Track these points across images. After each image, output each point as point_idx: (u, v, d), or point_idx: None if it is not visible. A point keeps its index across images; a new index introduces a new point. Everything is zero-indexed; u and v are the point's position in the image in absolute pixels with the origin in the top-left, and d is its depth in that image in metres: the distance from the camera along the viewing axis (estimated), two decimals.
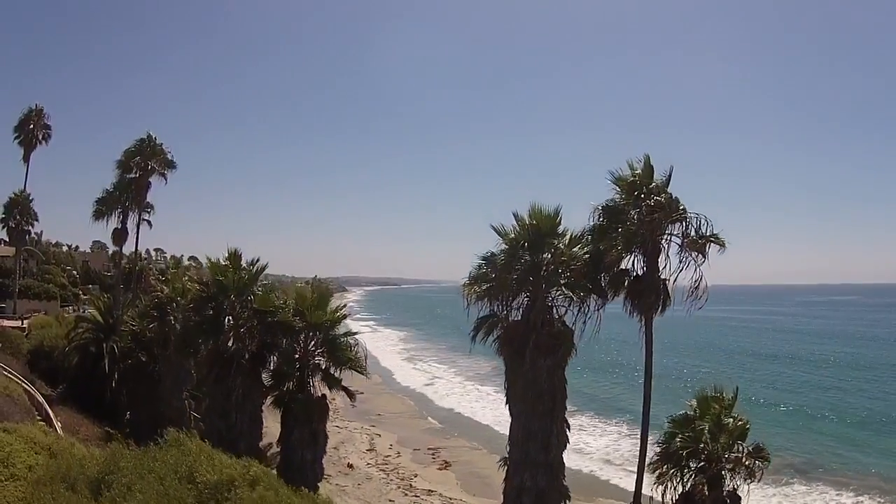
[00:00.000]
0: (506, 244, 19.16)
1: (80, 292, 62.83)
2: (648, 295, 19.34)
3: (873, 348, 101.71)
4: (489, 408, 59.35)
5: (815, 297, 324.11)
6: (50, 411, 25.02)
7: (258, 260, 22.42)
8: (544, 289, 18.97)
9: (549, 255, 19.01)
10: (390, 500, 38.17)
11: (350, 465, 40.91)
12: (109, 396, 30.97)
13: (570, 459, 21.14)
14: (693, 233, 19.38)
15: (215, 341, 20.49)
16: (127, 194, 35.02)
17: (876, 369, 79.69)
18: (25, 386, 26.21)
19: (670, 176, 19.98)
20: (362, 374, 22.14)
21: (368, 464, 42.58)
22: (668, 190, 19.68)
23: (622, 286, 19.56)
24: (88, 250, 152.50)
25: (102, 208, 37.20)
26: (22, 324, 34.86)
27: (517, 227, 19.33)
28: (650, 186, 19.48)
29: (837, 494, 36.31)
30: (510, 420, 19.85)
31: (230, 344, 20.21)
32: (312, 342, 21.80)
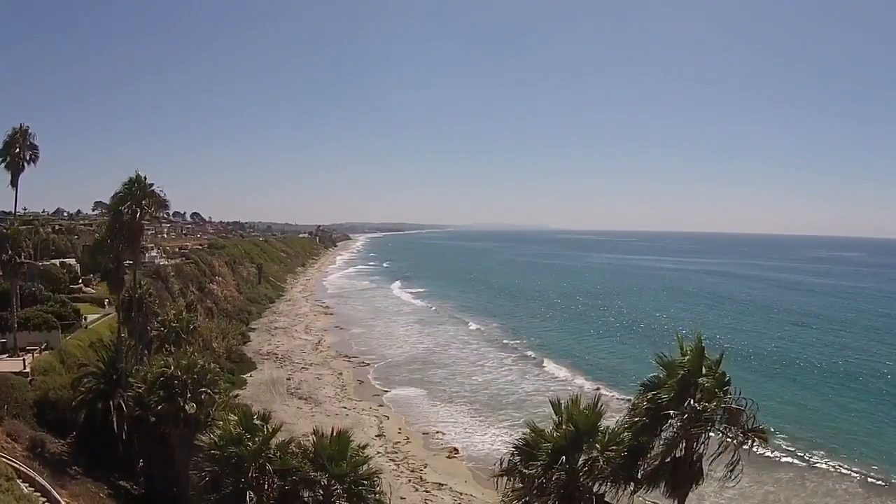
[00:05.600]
0: (543, 449, 18.13)
1: (83, 285, 60.46)
2: (686, 485, 18.75)
3: None
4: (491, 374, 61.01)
5: (820, 253, 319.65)
6: None
7: (270, 416, 21.17)
8: (581, 490, 18.30)
9: (588, 459, 18.10)
10: (402, 497, 39.65)
11: None
12: (122, 449, 30.92)
13: None
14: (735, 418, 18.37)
15: None
16: (119, 239, 32.27)
17: None
18: (39, 480, 25.90)
19: (721, 359, 18.60)
20: None
21: (378, 452, 43.53)
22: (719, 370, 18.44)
23: (661, 478, 18.85)
24: (91, 212, 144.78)
25: (97, 258, 34.61)
26: (24, 366, 33.69)
27: (554, 428, 18.28)
28: (700, 381, 18.05)
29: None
30: None
31: None
32: (335, 491, 21.28)
